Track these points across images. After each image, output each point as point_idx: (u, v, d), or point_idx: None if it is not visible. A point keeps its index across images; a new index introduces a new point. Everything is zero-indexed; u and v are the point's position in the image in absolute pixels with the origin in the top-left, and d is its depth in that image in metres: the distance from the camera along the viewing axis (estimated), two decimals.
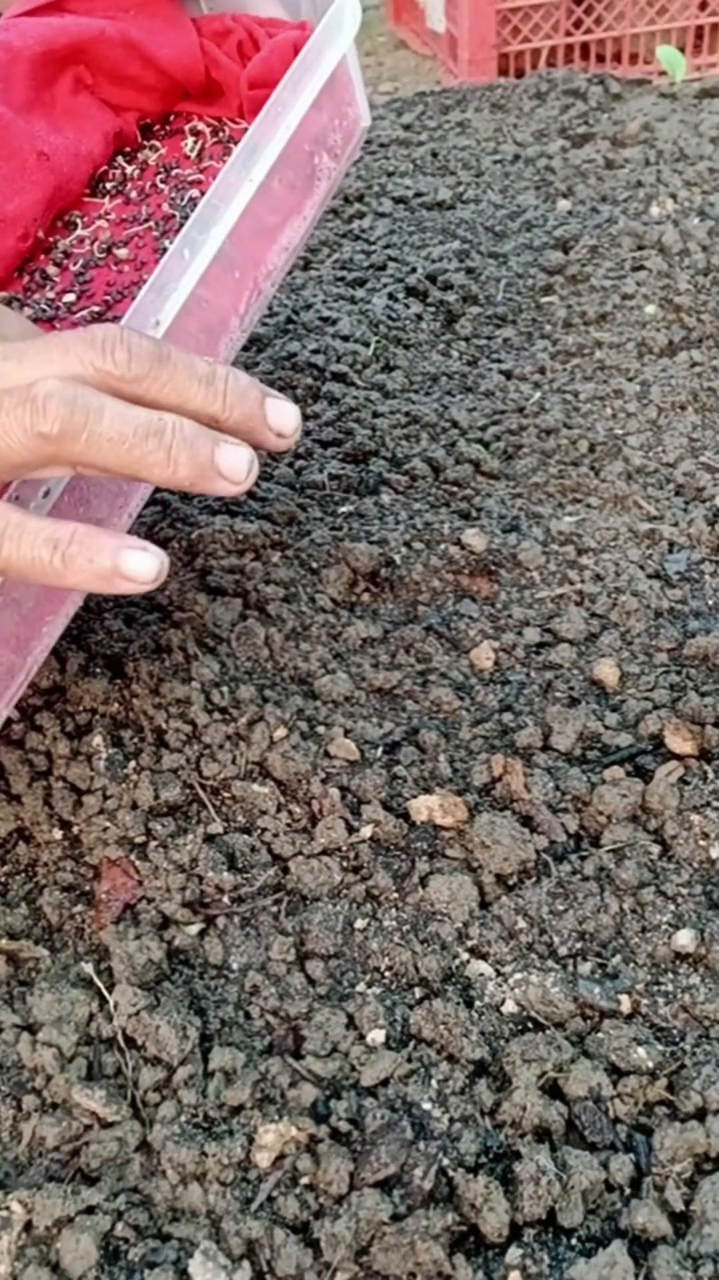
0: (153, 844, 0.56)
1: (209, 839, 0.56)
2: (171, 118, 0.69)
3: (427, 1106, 0.46)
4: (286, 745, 0.60)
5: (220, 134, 0.67)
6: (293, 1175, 0.44)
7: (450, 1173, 0.44)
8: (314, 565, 0.73)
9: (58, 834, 0.57)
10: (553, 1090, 0.47)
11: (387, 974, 0.51)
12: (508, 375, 0.91)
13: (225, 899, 0.54)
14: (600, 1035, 0.49)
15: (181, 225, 0.61)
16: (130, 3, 0.64)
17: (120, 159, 0.68)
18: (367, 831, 0.57)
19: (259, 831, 0.57)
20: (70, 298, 0.61)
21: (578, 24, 1.57)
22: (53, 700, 0.63)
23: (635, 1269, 0.41)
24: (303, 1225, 0.43)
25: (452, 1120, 0.45)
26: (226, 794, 0.59)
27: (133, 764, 0.60)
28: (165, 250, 0.59)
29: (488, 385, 0.89)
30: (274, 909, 0.54)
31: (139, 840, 0.56)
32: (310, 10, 0.64)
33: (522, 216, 1.14)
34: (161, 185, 0.65)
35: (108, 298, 0.60)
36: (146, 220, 0.63)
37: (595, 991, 0.50)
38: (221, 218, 0.51)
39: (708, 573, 0.73)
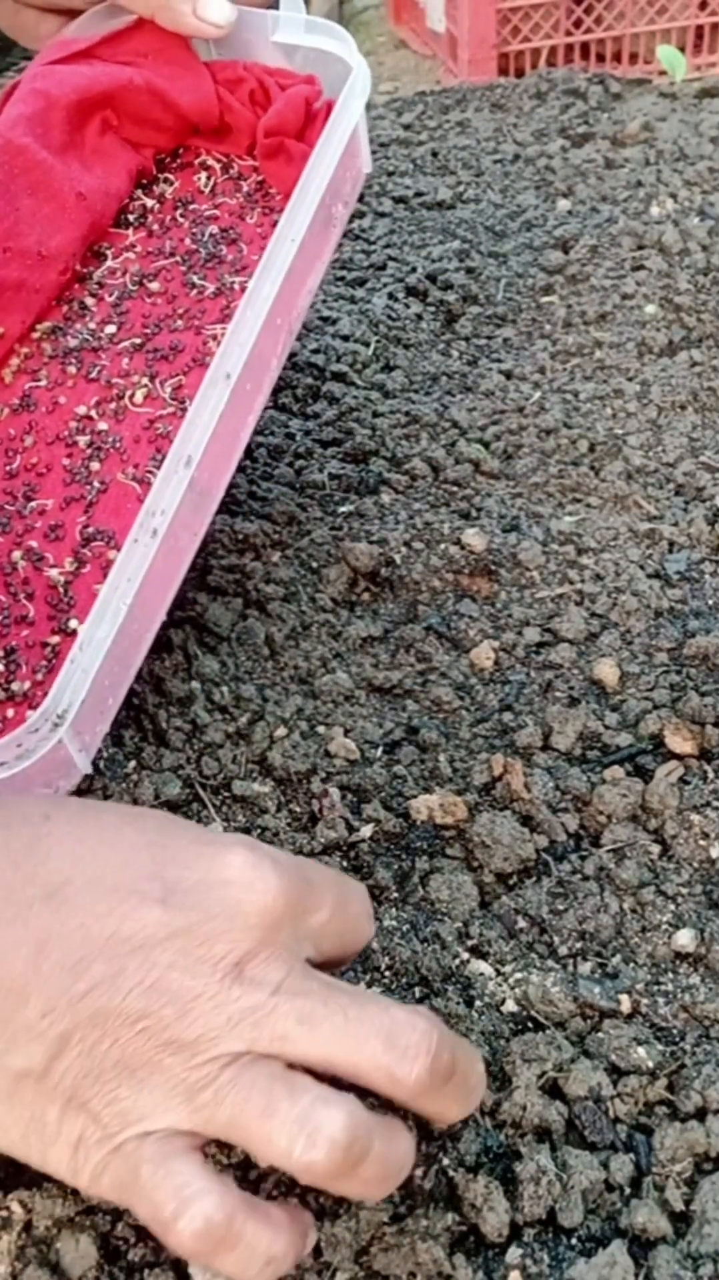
0: None
1: None
2: (181, 151, 0.74)
3: None
4: (287, 744, 0.60)
5: (229, 170, 0.73)
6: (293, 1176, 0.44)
7: (450, 1173, 0.44)
8: (314, 565, 0.73)
9: None
10: (553, 1090, 0.47)
11: (387, 973, 0.51)
12: (508, 375, 0.91)
13: None
14: (600, 1035, 0.49)
15: (205, 260, 0.68)
16: (149, 49, 0.69)
17: (139, 191, 0.72)
18: (367, 830, 0.57)
19: (259, 830, 0.57)
20: (111, 329, 0.66)
21: (578, 24, 1.57)
22: None
23: (635, 1269, 0.41)
24: None
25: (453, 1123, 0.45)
26: (227, 793, 0.59)
27: (133, 763, 0.60)
28: (193, 284, 0.67)
29: (488, 385, 0.89)
30: None
31: None
32: (302, 63, 0.71)
33: (522, 216, 1.14)
34: (181, 219, 0.70)
35: (146, 330, 0.66)
36: (171, 254, 0.69)
37: (595, 991, 0.50)
38: (272, 277, 0.58)
39: (708, 573, 0.73)
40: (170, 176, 0.73)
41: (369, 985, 0.51)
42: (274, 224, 0.67)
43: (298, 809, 0.58)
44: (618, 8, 1.57)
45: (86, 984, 0.37)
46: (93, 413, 0.63)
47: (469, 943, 0.52)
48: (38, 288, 0.66)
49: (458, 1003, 0.49)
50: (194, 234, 0.69)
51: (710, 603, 0.71)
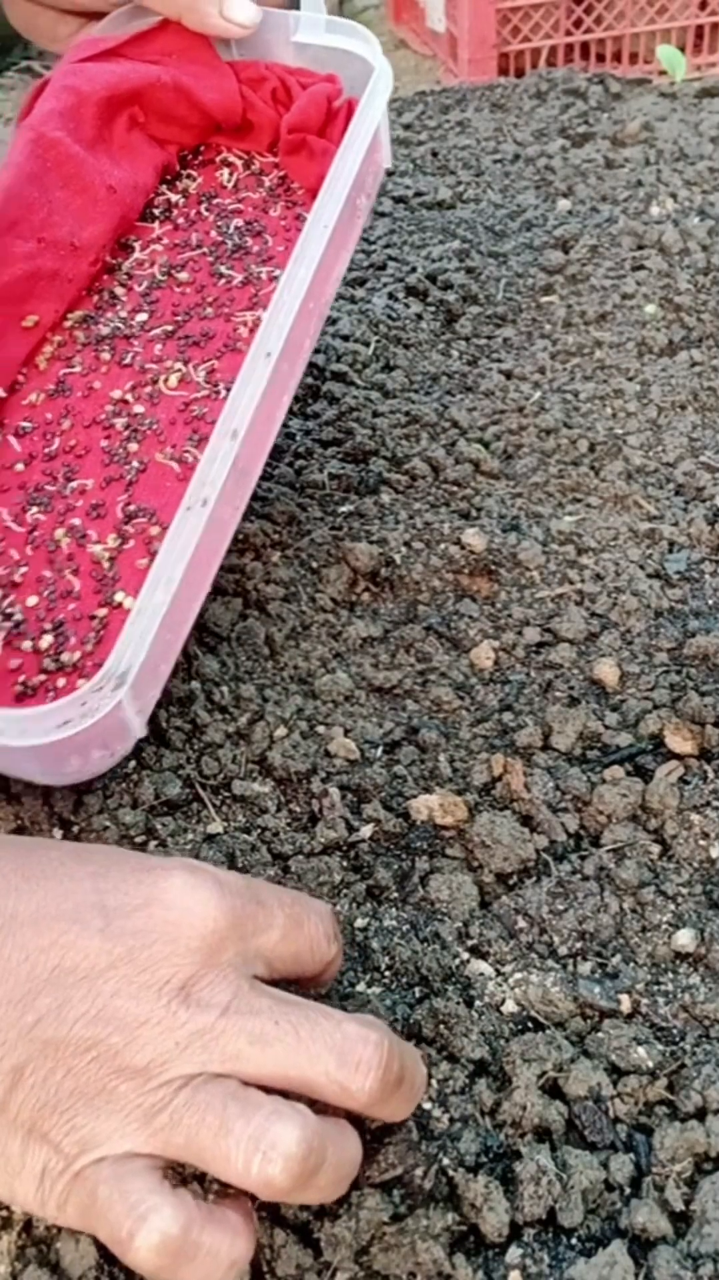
0: (153, 843, 0.56)
1: (209, 838, 0.56)
2: (203, 148, 0.76)
3: (427, 1106, 0.46)
4: (287, 744, 0.60)
5: (251, 166, 0.75)
6: None
7: (450, 1173, 0.44)
8: (314, 565, 0.73)
9: (58, 833, 0.57)
10: (553, 1090, 0.47)
11: (387, 973, 0.51)
12: (508, 375, 0.91)
13: None
14: (600, 1035, 0.49)
15: (231, 251, 0.70)
16: (174, 49, 0.71)
17: (163, 186, 0.74)
18: (367, 831, 0.57)
19: (259, 830, 0.57)
20: (142, 317, 0.68)
21: (578, 23, 1.57)
22: None
23: (635, 1269, 0.41)
24: (303, 1225, 0.43)
25: (452, 1120, 0.45)
26: (227, 793, 0.59)
27: (133, 763, 0.60)
28: (220, 274, 0.69)
29: (488, 385, 0.89)
30: None
31: (139, 839, 0.56)
32: (316, 61, 0.73)
33: (522, 216, 1.14)
34: (205, 213, 0.73)
35: (176, 318, 0.68)
36: (198, 246, 0.71)
37: (595, 991, 0.50)
38: (306, 262, 0.61)
39: (708, 572, 0.73)
40: (193, 173, 0.75)
41: (369, 985, 0.51)
42: (297, 217, 0.71)
43: (298, 809, 0.58)
44: (618, 8, 1.57)
45: (34, 1016, 0.38)
46: (128, 396, 0.65)
47: (469, 943, 0.52)
48: (70, 278, 0.68)
49: (458, 1003, 0.49)
50: (219, 227, 0.72)
51: (710, 603, 0.71)
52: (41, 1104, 0.38)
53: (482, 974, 0.51)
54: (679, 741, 0.60)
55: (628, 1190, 0.44)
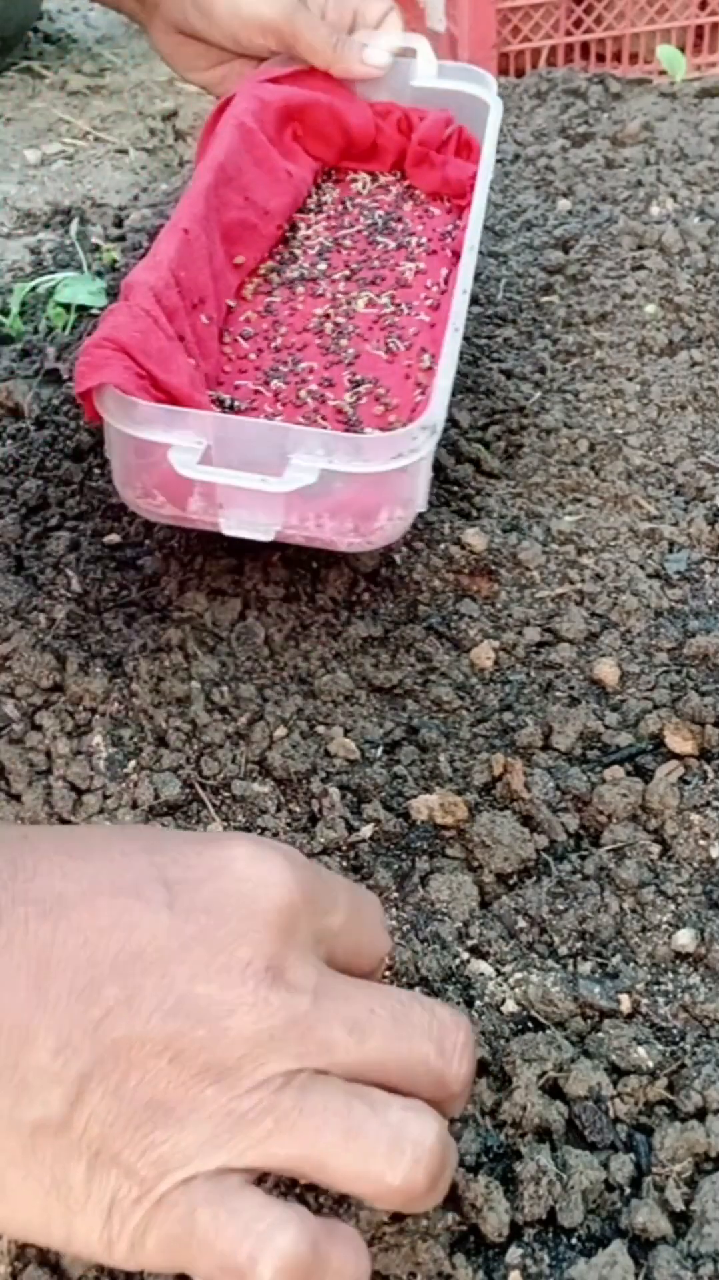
0: None
1: None
2: (334, 171, 0.94)
3: None
4: (287, 744, 0.60)
5: (377, 180, 0.93)
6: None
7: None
8: (314, 565, 0.73)
9: None
10: (553, 1090, 0.47)
11: (387, 973, 0.51)
12: (508, 375, 0.91)
13: None
14: (600, 1035, 0.49)
15: (381, 228, 0.87)
16: (324, 86, 0.89)
17: (312, 191, 0.91)
18: (367, 830, 0.57)
19: (259, 830, 0.57)
20: (322, 267, 0.83)
21: (578, 23, 1.57)
22: (53, 699, 0.63)
23: (635, 1269, 0.41)
24: None
25: (452, 1120, 0.45)
26: (227, 793, 0.59)
27: (133, 763, 0.60)
28: (376, 241, 0.85)
29: (488, 385, 0.89)
30: None
31: None
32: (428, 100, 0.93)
33: (522, 216, 1.14)
34: (351, 208, 0.90)
35: (350, 268, 0.83)
36: (352, 226, 0.87)
37: (595, 991, 0.50)
38: (469, 258, 0.75)
39: (708, 572, 0.73)
40: (331, 186, 0.93)
41: None
42: (426, 210, 0.89)
43: (298, 809, 0.58)
44: (618, 8, 1.57)
45: (101, 1010, 0.32)
46: (328, 311, 0.79)
47: (469, 943, 0.52)
48: (264, 233, 0.83)
49: (458, 1003, 0.49)
50: (364, 215, 0.88)
51: (710, 603, 0.71)
52: (112, 1119, 0.32)
53: (482, 974, 0.51)
54: (679, 741, 0.60)
55: (628, 1190, 0.44)
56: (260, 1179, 0.35)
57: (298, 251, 0.85)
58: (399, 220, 0.88)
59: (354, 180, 0.93)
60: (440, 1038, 0.36)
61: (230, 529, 0.63)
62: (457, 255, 0.81)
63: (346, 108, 0.89)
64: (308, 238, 0.86)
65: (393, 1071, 0.35)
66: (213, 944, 0.34)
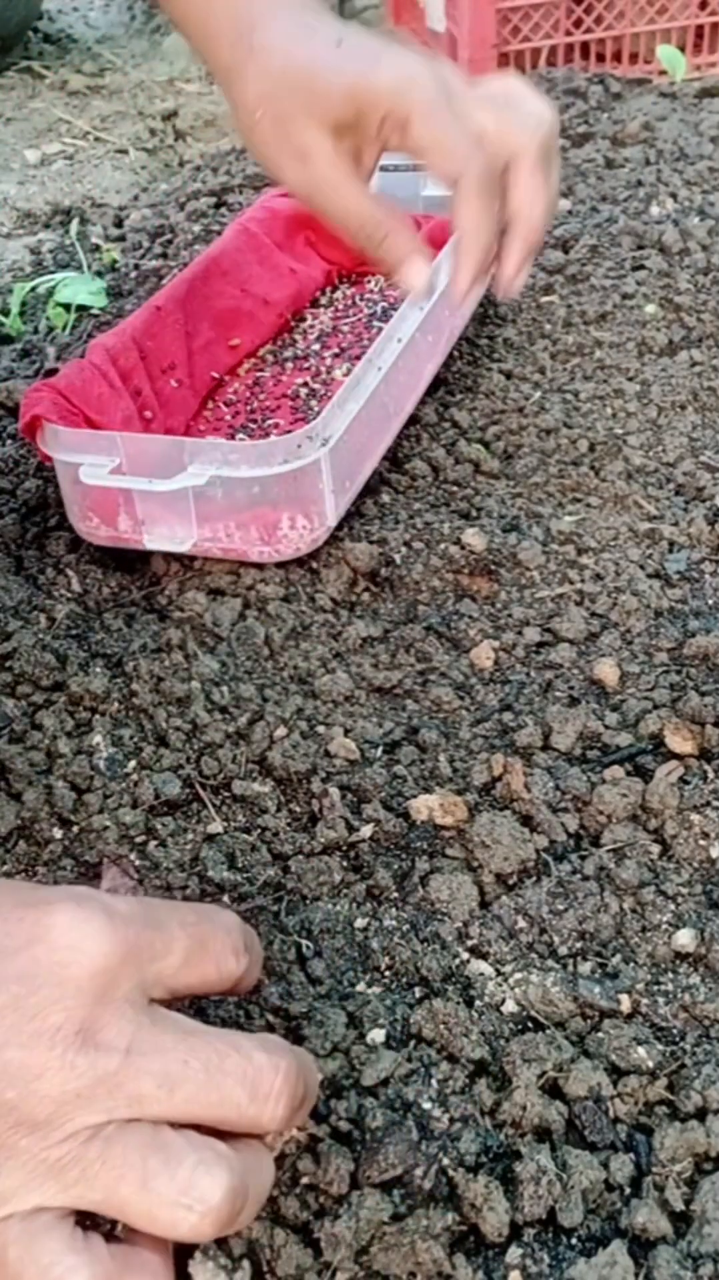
0: (153, 843, 0.56)
1: (209, 838, 0.56)
2: (353, 276, 1.02)
3: (427, 1106, 0.46)
4: (287, 744, 0.60)
5: (391, 280, 0.98)
6: (293, 1175, 0.44)
7: (450, 1172, 0.44)
8: (314, 565, 0.73)
9: (58, 832, 0.57)
10: (553, 1090, 0.47)
11: (387, 973, 0.51)
12: (508, 375, 0.91)
13: (225, 898, 0.54)
14: (600, 1035, 0.49)
15: (382, 315, 0.94)
16: None
17: (325, 291, 1.00)
18: (367, 830, 0.57)
19: (259, 830, 0.57)
20: (315, 347, 0.92)
21: (578, 23, 1.57)
22: (53, 699, 0.63)
23: (635, 1269, 0.41)
24: (303, 1225, 0.43)
25: (452, 1120, 0.45)
26: (227, 793, 0.59)
27: (133, 762, 0.60)
28: (374, 325, 0.93)
29: (488, 385, 0.89)
30: (274, 908, 0.54)
31: (139, 839, 0.56)
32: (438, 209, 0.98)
33: None
34: (359, 303, 0.98)
35: (342, 347, 0.91)
36: (355, 316, 0.96)
37: (595, 991, 0.50)
38: (410, 311, 0.81)
39: (708, 572, 0.73)
40: (347, 286, 1.01)
41: (369, 985, 0.51)
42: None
43: (298, 809, 0.58)
44: (618, 8, 1.57)
45: None
46: (307, 380, 0.87)
47: (469, 943, 0.52)
48: (263, 321, 0.92)
49: (458, 1003, 0.49)
50: (368, 307, 0.97)
51: (710, 603, 0.71)
52: None
53: (482, 974, 0.51)
54: (679, 741, 0.60)
55: (628, 1190, 0.44)
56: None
57: (298, 337, 0.94)
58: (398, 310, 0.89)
59: (368, 281, 1.01)
60: (255, 1083, 0.38)
61: (151, 543, 0.71)
62: (449, 336, 0.90)
63: None
64: (311, 326, 0.95)
65: (204, 1118, 0.37)
66: (24, 1012, 0.36)
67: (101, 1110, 0.36)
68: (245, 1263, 0.41)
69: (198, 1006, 0.48)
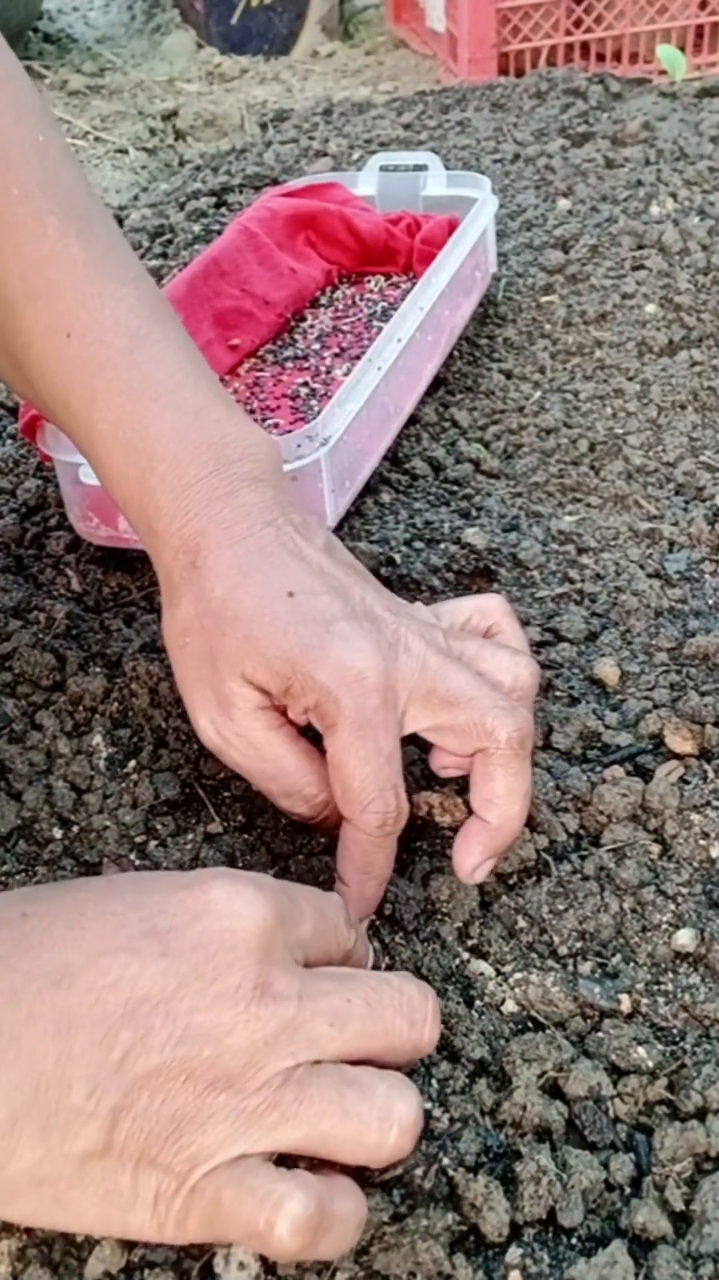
0: (153, 843, 0.56)
1: (209, 838, 0.56)
2: (353, 276, 1.02)
3: (427, 1106, 0.46)
4: None
5: (390, 279, 1.01)
6: None
7: (450, 1172, 0.44)
8: None
9: (58, 832, 0.57)
10: (553, 1090, 0.47)
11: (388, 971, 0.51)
12: (508, 375, 0.91)
13: None
14: (600, 1035, 0.49)
15: (381, 315, 0.95)
16: (341, 199, 1.01)
17: (325, 291, 1.00)
18: None
19: (259, 830, 0.57)
20: (316, 347, 0.92)
21: (578, 23, 1.57)
22: (53, 699, 0.63)
23: (635, 1269, 0.41)
24: None
25: (452, 1120, 0.45)
26: (226, 793, 0.59)
27: (133, 763, 0.60)
28: (374, 325, 0.93)
29: (488, 385, 0.89)
30: None
31: (139, 839, 0.56)
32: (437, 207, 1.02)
33: (522, 216, 1.14)
34: (359, 303, 0.98)
35: (342, 347, 0.92)
36: (355, 316, 0.96)
37: (595, 991, 0.50)
38: (411, 312, 0.83)
39: (708, 572, 0.73)
40: (347, 286, 1.01)
41: None
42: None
43: None
44: (618, 7, 1.57)
45: (119, 1052, 0.38)
46: (307, 380, 0.87)
47: (469, 943, 0.52)
48: (263, 321, 0.92)
49: (458, 1003, 0.49)
50: (368, 307, 0.97)
51: (710, 602, 0.71)
52: (146, 1134, 0.38)
53: (482, 974, 0.51)
54: (679, 741, 0.60)
55: (628, 1190, 0.44)
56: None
57: (298, 337, 0.94)
58: (398, 310, 0.89)
59: (369, 280, 1.02)
60: (410, 1011, 0.42)
61: None
62: (449, 335, 0.91)
63: (358, 216, 0.98)
64: (311, 326, 0.95)
65: (373, 1049, 0.41)
66: (205, 977, 0.39)
67: (288, 1054, 0.39)
68: (245, 1262, 0.41)
69: None
